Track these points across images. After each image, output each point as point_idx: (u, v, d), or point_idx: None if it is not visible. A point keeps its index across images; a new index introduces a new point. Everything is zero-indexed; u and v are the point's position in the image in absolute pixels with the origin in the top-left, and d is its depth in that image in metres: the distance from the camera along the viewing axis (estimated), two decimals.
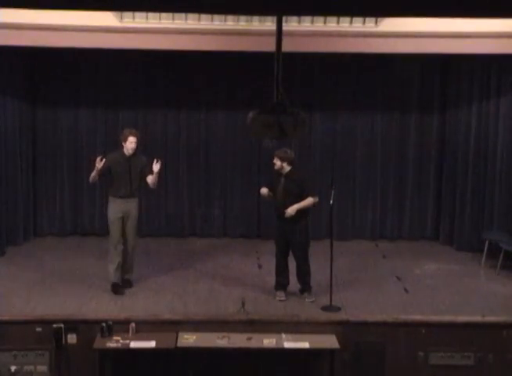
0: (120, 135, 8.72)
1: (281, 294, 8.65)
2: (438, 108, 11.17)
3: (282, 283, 8.72)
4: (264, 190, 8.63)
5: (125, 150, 8.64)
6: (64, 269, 9.51)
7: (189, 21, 9.13)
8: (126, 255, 8.82)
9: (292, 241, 8.58)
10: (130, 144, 8.59)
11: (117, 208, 8.64)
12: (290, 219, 8.43)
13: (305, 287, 8.66)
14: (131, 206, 8.74)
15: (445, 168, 11.12)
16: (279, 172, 8.57)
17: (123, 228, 8.71)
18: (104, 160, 8.46)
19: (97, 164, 8.44)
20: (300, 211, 8.42)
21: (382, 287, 9.09)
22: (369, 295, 8.78)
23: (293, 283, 8.78)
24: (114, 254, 8.68)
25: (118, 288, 8.66)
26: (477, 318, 8.07)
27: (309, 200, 8.45)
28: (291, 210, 8.36)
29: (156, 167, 8.64)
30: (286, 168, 8.54)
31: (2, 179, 10.17)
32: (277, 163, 8.53)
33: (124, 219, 8.69)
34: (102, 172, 8.54)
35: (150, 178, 8.74)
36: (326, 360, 7.85)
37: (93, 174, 8.53)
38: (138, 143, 8.70)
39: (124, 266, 8.83)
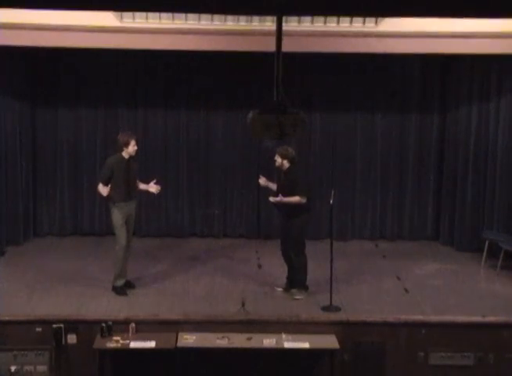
0: (119, 140, 8.64)
1: (279, 286, 8.91)
2: (438, 108, 11.16)
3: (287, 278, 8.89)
4: (262, 180, 8.83)
5: (125, 154, 8.62)
6: (64, 269, 9.51)
7: (189, 21, 9.13)
8: (128, 257, 8.82)
9: (286, 236, 8.71)
10: (133, 147, 8.59)
11: (122, 212, 8.61)
12: (284, 215, 8.64)
13: (293, 283, 8.72)
14: (132, 208, 8.77)
15: (445, 168, 11.12)
16: (279, 169, 8.72)
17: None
18: (104, 185, 8.51)
19: (104, 194, 8.52)
20: (293, 208, 8.51)
21: (382, 287, 9.09)
22: (369, 295, 8.79)
23: None
24: (123, 257, 8.66)
25: (122, 290, 8.66)
26: (477, 318, 8.07)
27: (294, 199, 8.51)
28: (278, 199, 8.50)
29: (153, 188, 8.76)
30: (286, 165, 8.66)
31: (2, 179, 10.17)
32: (278, 160, 8.67)
33: (126, 221, 8.70)
34: (107, 181, 8.58)
35: (142, 187, 8.83)
36: (326, 360, 7.86)
37: (105, 191, 8.52)
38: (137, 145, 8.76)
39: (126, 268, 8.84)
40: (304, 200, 8.54)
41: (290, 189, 8.55)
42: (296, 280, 8.71)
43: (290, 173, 8.67)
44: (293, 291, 8.68)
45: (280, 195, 8.50)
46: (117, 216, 8.61)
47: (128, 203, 8.64)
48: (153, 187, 8.82)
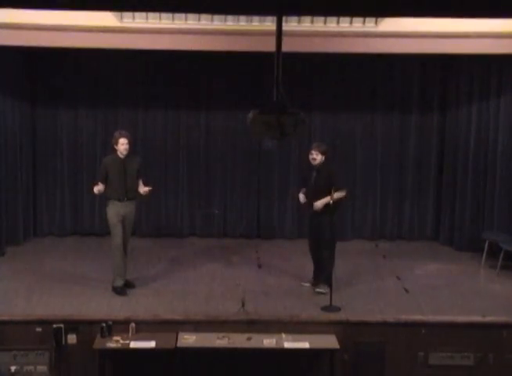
0: (112, 139, 8.70)
1: (305, 282, 8.95)
2: (438, 108, 11.17)
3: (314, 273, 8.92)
4: (301, 198, 8.79)
5: (119, 153, 8.64)
6: (64, 269, 9.51)
7: (189, 21, 9.13)
8: (125, 257, 8.81)
9: (319, 236, 8.70)
10: (122, 146, 8.59)
11: (118, 211, 8.61)
12: (318, 214, 8.59)
13: (319, 278, 8.77)
14: (130, 208, 8.74)
15: (445, 168, 11.12)
16: (310, 166, 8.71)
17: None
18: (100, 183, 8.54)
19: (95, 192, 8.56)
20: (327, 206, 8.50)
21: (382, 287, 9.09)
22: (369, 295, 8.78)
23: (294, 283, 8.81)
24: (119, 257, 8.66)
25: (122, 290, 8.66)
26: (477, 318, 8.07)
27: (337, 194, 8.50)
28: (320, 203, 8.55)
29: (141, 190, 8.72)
30: (322, 160, 8.67)
31: (2, 179, 10.16)
32: (317, 157, 8.66)
33: (123, 221, 8.68)
34: (102, 179, 8.60)
35: (141, 189, 8.79)
36: (326, 360, 7.85)
37: (96, 188, 8.55)
38: (131, 144, 8.73)
39: (125, 268, 8.82)
40: (344, 194, 8.60)
41: (326, 185, 8.50)
42: (323, 275, 8.74)
43: (323, 168, 8.65)
44: (320, 285, 8.73)
45: (324, 199, 8.47)
46: (111, 214, 8.62)
47: (124, 203, 8.62)
48: (142, 189, 8.75)
